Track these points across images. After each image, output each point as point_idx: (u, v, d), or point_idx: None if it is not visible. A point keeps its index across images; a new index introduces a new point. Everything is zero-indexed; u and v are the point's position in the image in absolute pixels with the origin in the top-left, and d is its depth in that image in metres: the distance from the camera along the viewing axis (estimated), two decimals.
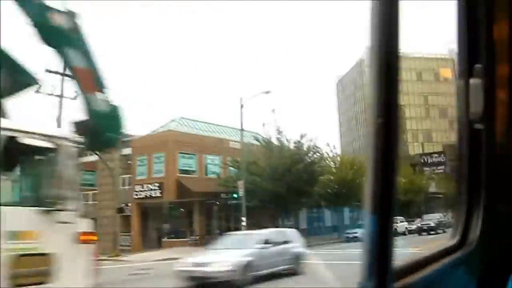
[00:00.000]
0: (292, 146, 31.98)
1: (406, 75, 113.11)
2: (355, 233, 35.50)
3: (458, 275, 1.66)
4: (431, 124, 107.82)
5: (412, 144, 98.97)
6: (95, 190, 38.47)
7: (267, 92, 28.34)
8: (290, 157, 29.71)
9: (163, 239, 33.43)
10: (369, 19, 1.21)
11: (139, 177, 34.56)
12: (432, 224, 45.57)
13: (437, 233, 37.99)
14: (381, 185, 1.17)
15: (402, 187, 53.51)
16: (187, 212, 34.20)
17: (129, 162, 36.59)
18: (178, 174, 32.83)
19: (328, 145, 39.52)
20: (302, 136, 32.11)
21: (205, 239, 33.32)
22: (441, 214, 43.29)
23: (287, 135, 32.19)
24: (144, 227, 34.90)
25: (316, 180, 32.79)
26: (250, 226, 34.62)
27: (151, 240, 34.49)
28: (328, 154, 39.28)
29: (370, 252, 1.17)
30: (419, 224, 46.59)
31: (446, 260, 1.63)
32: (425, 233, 40.98)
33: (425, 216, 48.28)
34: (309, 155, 32.35)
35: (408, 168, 63.68)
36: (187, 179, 32.69)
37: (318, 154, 33.09)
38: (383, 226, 1.17)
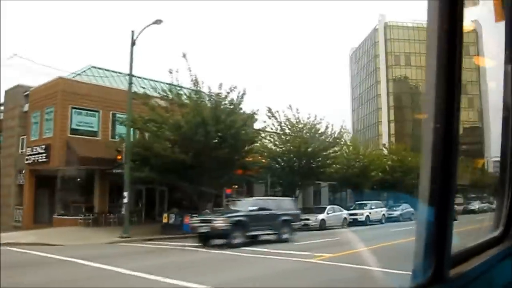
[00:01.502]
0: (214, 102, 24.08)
1: (419, 48, 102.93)
2: (308, 219, 27.65)
3: (504, 267, 1.65)
4: None
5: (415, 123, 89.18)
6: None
7: (158, 22, 20.43)
8: (200, 115, 21.93)
9: (54, 216, 26.58)
10: (428, 20, 1.25)
11: (33, 138, 27.58)
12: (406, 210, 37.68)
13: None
14: (441, 179, 1.23)
15: (388, 165, 45.39)
16: (87, 183, 27.10)
17: None
18: (69, 135, 25.60)
19: (290, 107, 31.59)
20: (231, 89, 24.14)
21: (107, 218, 26.34)
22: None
23: (212, 89, 24.27)
24: (39, 200, 28.06)
25: (246, 149, 25.02)
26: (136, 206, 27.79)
27: (45, 215, 27.70)
28: (288, 118, 31.40)
29: (427, 240, 1.23)
30: (402, 211, 38.71)
31: (492, 252, 1.66)
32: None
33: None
34: (240, 114, 24.43)
35: (400, 145, 55.14)
36: (82, 141, 25.46)
37: (254, 113, 25.13)
38: (441, 217, 1.24)
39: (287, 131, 31.23)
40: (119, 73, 26.06)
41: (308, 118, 31.56)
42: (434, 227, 1.22)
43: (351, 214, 32.09)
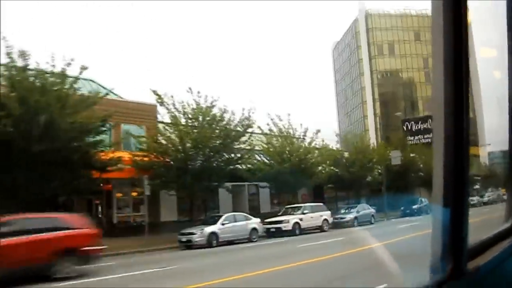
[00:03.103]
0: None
1: (402, 36, 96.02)
2: (191, 234, 20.72)
3: None
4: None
5: (405, 114, 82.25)
6: None
7: None
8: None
9: None
10: (433, 21, 1.22)
11: None
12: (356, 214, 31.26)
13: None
14: (454, 177, 1.23)
15: (346, 159, 38.74)
16: None
17: None
18: None
19: (190, 90, 25.01)
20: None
21: None
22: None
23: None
24: None
25: (87, 142, 18.47)
26: None
27: None
28: (186, 103, 24.76)
29: (443, 238, 1.24)
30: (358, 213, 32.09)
31: (505, 244, 1.62)
32: None
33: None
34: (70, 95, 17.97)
35: (354, 136, 48.29)
36: None
37: (97, 94, 18.79)
38: (457, 214, 1.24)
39: (183, 120, 24.68)
40: None
41: (212, 103, 24.99)
42: (450, 225, 1.21)
43: (270, 222, 25.45)
